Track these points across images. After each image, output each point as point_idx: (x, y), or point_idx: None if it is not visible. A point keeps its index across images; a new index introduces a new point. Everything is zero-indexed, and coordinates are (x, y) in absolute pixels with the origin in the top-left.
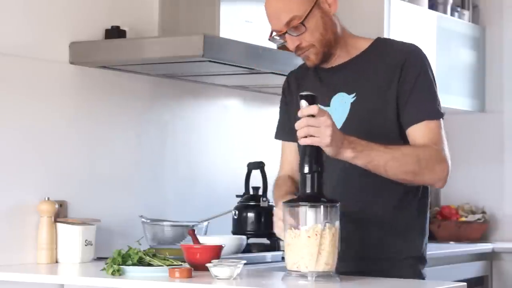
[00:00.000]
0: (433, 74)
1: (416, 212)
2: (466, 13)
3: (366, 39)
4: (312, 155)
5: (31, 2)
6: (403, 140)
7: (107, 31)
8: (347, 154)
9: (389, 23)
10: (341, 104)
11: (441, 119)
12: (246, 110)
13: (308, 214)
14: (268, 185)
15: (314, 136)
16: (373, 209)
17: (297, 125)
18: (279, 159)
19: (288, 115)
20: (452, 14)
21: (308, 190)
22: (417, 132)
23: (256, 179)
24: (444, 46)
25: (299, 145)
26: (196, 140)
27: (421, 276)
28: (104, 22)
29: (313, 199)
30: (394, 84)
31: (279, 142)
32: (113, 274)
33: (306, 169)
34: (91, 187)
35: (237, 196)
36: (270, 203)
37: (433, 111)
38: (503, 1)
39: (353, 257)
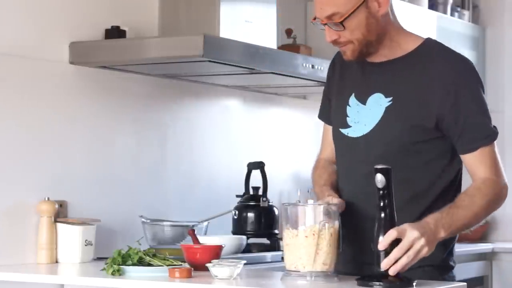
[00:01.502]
0: (483, 90)
1: None
2: (466, 13)
3: (416, 37)
4: (387, 231)
5: (31, 2)
6: (428, 146)
7: (107, 31)
8: (441, 236)
9: None
10: (377, 106)
11: (495, 140)
12: (246, 110)
13: (307, 214)
14: (268, 185)
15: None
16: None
17: (393, 257)
18: (321, 139)
19: (329, 99)
20: (452, 14)
21: (383, 269)
22: (473, 160)
23: (256, 179)
24: None
25: (333, 133)
26: (196, 140)
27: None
28: (104, 22)
29: (389, 279)
30: (441, 101)
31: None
32: (113, 274)
33: (381, 246)
34: (91, 187)
35: (237, 196)
36: (270, 203)
37: (487, 136)
38: (503, 1)
39: (368, 262)
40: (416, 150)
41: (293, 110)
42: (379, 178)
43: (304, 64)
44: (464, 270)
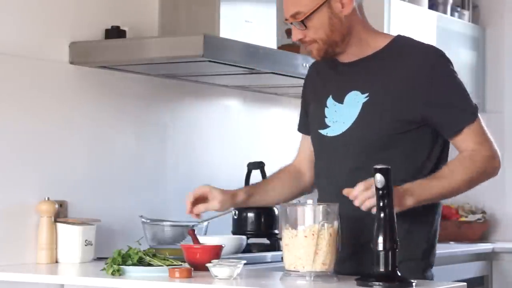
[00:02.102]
0: (457, 75)
1: (423, 217)
2: (466, 13)
3: (386, 36)
4: (387, 230)
5: (31, 2)
6: (408, 137)
7: (107, 31)
8: (409, 203)
9: (389, 23)
10: (354, 103)
11: (477, 116)
12: (246, 110)
13: (306, 214)
14: None
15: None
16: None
17: (360, 199)
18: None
19: (305, 110)
20: (452, 14)
21: (382, 269)
22: (461, 141)
23: (256, 179)
24: (444, 46)
25: (313, 139)
26: (196, 140)
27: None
28: (104, 22)
29: (388, 279)
30: (418, 90)
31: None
32: (113, 274)
33: (380, 246)
34: (91, 187)
35: None
36: None
37: (468, 115)
38: (503, 1)
39: (352, 258)
40: (395, 144)
41: (293, 110)
42: (379, 178)
43: (304, 64)
44: (464, 270)
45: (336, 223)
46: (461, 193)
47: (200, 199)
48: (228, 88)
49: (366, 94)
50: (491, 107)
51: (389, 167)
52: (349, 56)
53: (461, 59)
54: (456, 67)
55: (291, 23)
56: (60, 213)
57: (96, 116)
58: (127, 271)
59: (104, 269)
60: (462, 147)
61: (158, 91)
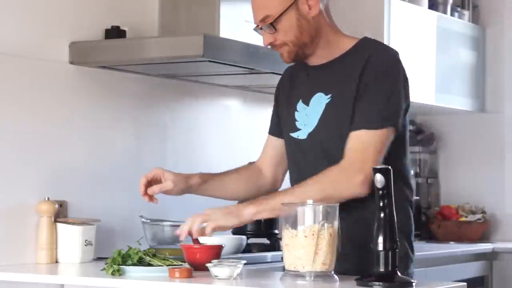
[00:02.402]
0: (397, 80)
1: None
2: (466, 13)
3: (352, 38)
4: (387, 230)
5: (31, 2)
6: None
7: (107, 31)
8: (249, 210)
9: (389, 23)
10: (318, 104)
11: (385, 128)
12: (246, 110)
13: (306, 214)
14: None
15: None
16: (352, 211)
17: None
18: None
19: (278, 116)
20: (452, 14)
21: (382, 269)
22: (349, 140)
23: None
24: (444, 46)
25: (286, 142)
26: (196, 140)
27: (408, 276)
28: (104, 22)
29: (388, 279)
30: (355, 84)
31: None
32: (113, 274)
33: (380, 246)
34: (91, 187)
35: None
36: None
37: (373, 120)
38: (503, 1)
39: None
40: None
41: None
42: (378, 178)
43: None
44: (464, 270)
45: (336, 223)
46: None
47: (154, 182)
48: (228, 88)
49: (329, 95)
50: (491, 107)
51: (389, 167)
52: (318, 58)
53: (461, 59)
54: (456, 67)
55: (261, 28)
56: (60, 213)
57: (96, 116)
58: (127, 271)
59: (104, 269)
60: (345, 148)
61: (158, 91)
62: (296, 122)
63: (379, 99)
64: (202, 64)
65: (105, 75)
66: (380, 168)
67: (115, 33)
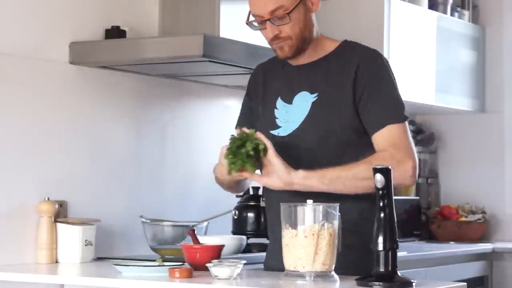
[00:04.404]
0: (393, 77)
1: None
2: (466, 13)
3: (335, 41)
4: (387, 230)
5: (31, 2)
6: (362, 142)
7: (107, 31)
8: (300, 174)
9: (389, 23)
10: (303, 103)
11: (405, 121)
12: None
13: (306, 214)
14: None
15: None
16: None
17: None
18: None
19: (249, 108)
20: (452, 14)
21: (382, 269)
22: (379, 138)
23: None
24: (444, 46)
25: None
26: (196, 140)
27: None
28: (104, 22)
29: (388, 279)
30: (348, 88)
31: None
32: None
33: (380, 246)
34: (91, 187)
35: (237, 196)
36: None
37: (394, 115)
38: (503, 1)
39: None
40: (345, 139)
41: None
42: (378, 178)
43: None
44: (464, 270)
45: (336, 223)
46: (360, 190)
47: None
48: (228, 88)
49: (315, 94)
50: (491, 107)
51: (389, 167)
52: (303, 57)
53: (461, 59)
54: (456, 67)
55: (267, 20)
56: (60, 213)
57: (96, 116)
58: (127, 271)
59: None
60: (379, 146)
61: (158, 91)
62: (277, 120)
63: (392, 96)
64: (202, 64)
65: (105, 75)
66: (380, 168)
67: (115, 33)
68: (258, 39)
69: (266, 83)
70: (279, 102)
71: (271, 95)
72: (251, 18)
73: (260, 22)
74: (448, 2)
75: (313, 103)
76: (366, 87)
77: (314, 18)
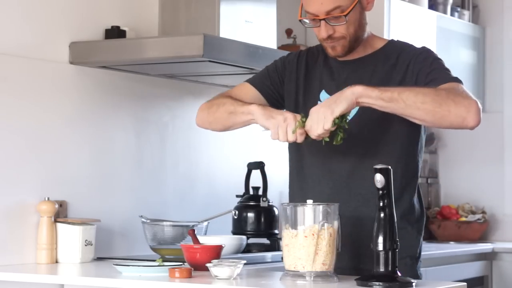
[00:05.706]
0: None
1: (414, 212)
2: (466, 13)
3: (382, 38)
4: (387, 230)
5: (31, 2)
6: (409, 133)
7: (107, 31)
8: (356, 89)
9: (389, 23)
10: None
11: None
12: None
13: (306, 214)
14: (268, 185)
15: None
16: (370, 208)
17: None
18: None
19: (274, 82)
20: (452, 14)
21: (382, 269)
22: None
23: (256, 179)
24: (444, 46)
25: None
26: (196, 140)
27: (417, 276)
28: (104, 22)
29: (388, 279)
30: (398, 82)
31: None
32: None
33: (380, 246)
34: (91, 187)
35: (237, 196)
36: (270, 203)
37: (454, 78)
38: (503, 1)
39: (348, 254)
40: (393, 132)
41: None
42: (379, 178)
43: None
44: (464, 270)
45: (336, 223)
46: (421, 114)
47: None
48: (228, 88)
49: None
50: (491, 107)
51: (389, 167)
52: (352, 54)
53: (461, 59)
54: (456, 67)
55: (322, 19)
56: (60, 213)
57: (96, 116)
58: (127, 271)
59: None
60: None
61: (158, 91)
62: None
63: (447, 71)
64: (202, 64)
65: (105, 75)
66: (381, 168)
67: (115, 33)
68: (258, 39)
69: (309, 73)
70: (323, 95)
71: (313, 87)
72: (303, 14)
73: (314, 20)
74: (448, 2)
75: None
76: (421, 69)
77: (366, 16)
